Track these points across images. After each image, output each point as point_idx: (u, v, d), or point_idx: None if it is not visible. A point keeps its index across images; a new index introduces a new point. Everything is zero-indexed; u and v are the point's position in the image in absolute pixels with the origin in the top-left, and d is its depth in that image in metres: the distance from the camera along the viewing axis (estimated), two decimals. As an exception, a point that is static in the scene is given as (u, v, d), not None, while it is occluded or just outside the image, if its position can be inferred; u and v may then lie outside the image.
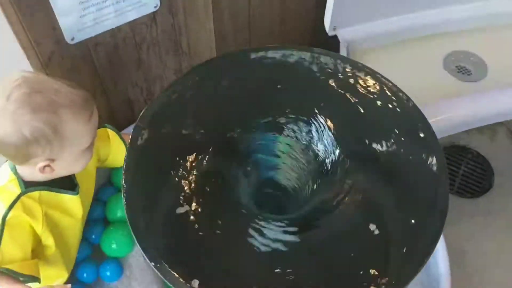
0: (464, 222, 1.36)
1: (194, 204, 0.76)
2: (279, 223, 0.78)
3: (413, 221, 0.72)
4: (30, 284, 0.80)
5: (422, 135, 0.76)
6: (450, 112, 1.14)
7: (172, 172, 0.78)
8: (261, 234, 0.76)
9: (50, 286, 0.76)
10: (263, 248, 0.74)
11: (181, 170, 0.79)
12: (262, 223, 0.76)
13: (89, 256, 0.96)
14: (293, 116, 0.86)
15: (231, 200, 0.81)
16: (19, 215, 0.78)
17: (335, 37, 1.17)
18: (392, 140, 0.79)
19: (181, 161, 0.79)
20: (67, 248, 0.89)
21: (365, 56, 1.18)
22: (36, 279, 0.79)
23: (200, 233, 0.74)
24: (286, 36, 1.22)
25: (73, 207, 0.87)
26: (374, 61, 1.19)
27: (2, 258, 0.75)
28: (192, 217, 0.75)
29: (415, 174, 0.76)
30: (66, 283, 0.90)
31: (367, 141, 0.81)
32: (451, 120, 1.16)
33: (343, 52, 1.17)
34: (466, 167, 1.46)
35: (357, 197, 0.79)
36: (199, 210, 0.76)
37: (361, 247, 0.75)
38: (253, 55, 0.85)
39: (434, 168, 0.74)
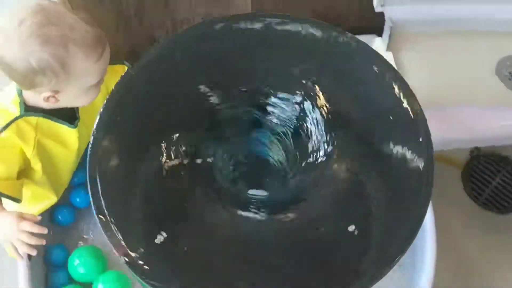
0: (483, 236, 1.28)
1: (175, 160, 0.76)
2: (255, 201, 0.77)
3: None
4: (9, 205, 0.84)
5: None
6: (494, 122, 1.06)
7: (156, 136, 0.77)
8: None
9: (20, 213, 0.77)
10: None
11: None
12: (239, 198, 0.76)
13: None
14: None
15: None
16: (11, 137, 0.80)
17: (382, 15, 1.08)
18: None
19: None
20: (57, 174, 0.92)
21: (410, 42, 1.09)
22: (16, 200, 0.82)
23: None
24: (329, 5, 1.14)
25: (68, 139, 0.88)
26: (420, 49, 1.11)
27: None
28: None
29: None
30: (55, 205, 0.94)
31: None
32: (492, 130, 1.07)
33: (386, 33, 1.09)
34: (501, 179, 1.35)
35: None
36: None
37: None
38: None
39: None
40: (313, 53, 0.77)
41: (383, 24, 1.09)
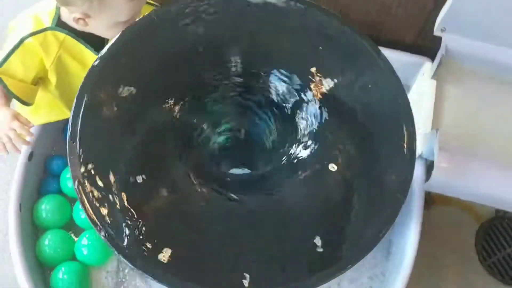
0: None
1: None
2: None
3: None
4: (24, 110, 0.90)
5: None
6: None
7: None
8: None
9: (16, 113, 0.83)
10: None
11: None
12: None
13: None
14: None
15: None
16: (35, 44, 0.85)
17: (440, 40, 1.02)
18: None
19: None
20: (72, 93, 0.96)
21: (459, 76, 1.02)
22: (25, 103, 0.88)
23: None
24: (388, 14, 1.09)
25: (90, 63, 0.92)
26: (467, 87, 1.03)
27: (5, 69, 0.84)
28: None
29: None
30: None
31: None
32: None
33: (436, 59, 1.02)
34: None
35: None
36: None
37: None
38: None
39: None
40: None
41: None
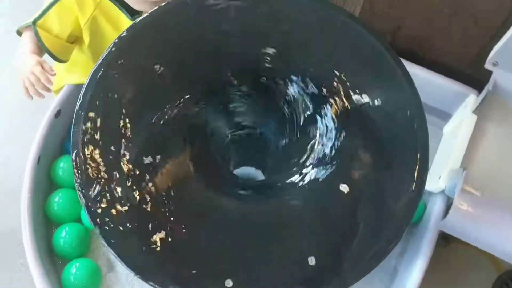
0: None
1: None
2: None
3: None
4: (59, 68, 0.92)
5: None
6: None
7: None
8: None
9: (42, 60, 0.86)
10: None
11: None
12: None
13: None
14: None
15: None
16: (71, 2, 0.88)
17: (490, 74, 0.96)
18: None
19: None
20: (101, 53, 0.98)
21: (503, 115, 0.95)
22: (57, 58, 0.90)
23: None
24: (447, 39, 1.03)
25: (123, 28, 0.93)
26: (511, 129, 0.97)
27: (43, 23, 0.87)
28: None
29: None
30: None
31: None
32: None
33: (482, 94, 0.96)
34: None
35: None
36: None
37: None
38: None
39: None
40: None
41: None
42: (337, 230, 0.76)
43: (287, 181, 0.78)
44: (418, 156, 0.72)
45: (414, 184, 0.71)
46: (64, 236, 0.96)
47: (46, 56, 0.92)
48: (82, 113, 0.66)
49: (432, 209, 0.99)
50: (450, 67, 1.07)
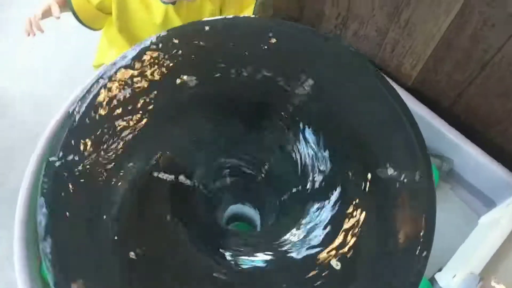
0: None
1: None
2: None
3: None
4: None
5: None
6: None
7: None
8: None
9: (53, 4, 0.86)
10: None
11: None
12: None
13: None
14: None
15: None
16: None
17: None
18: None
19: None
20: (128, 28, 0.96)
21: None
22: (81, 21, 0.91)
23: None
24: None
25: (154, 9, 0.90)
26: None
27: None
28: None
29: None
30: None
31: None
32: None
33: None
34: None
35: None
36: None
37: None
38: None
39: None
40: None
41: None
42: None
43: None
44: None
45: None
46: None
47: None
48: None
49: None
50: (508, 154, 0.93)
